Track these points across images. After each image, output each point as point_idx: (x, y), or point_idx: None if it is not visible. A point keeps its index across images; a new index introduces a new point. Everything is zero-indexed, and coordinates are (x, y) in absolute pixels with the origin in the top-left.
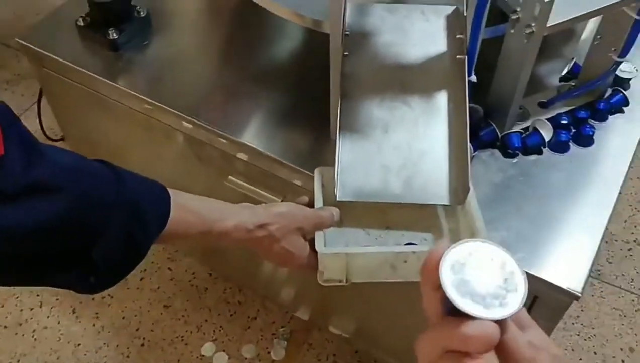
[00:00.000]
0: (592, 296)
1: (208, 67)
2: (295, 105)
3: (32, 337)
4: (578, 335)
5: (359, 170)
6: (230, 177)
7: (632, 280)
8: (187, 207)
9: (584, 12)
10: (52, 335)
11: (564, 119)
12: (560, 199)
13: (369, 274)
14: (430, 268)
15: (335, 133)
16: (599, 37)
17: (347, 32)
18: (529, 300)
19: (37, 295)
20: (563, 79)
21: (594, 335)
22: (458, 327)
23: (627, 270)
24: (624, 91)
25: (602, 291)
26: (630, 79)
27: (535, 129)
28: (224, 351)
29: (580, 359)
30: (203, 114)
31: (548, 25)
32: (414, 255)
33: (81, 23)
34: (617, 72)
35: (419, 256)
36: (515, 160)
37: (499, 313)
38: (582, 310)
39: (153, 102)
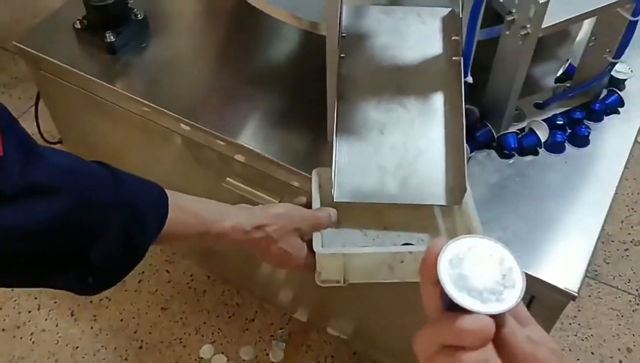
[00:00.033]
0: (589, 296)
1: (205, 70)
2: (292, 107)
3: (30, 339)
4: (575, 335)
5: (356, 171)
6: (228, 179)
7: (629, 280)
8: (185, 208)
9: (578, 13)
10: (50, 338)
11: (560, 120)
12: (557, 200)
13: (367, 274)
14: (429, 263)
15: (332, 135)
16: (593, 38)
17: (343, 34)
18: (526, 299)
19: (35, 298)
20: (558, 80)
21: (591, 335)
22: (454, 321)
23: (624, 270)
24: (619, 92)
25: (599, 292)
26: (625, 79)
27: (531, 130)
28: (222, 353)
29: (578, 359)
30: (200, 116)
31: (543, 26)
32: (411, 255)
33: (78, 26)
34: (612, 73)
35: (416, 256)
36: (511, 161)
37: (496, 308)
38: (579, 311)
39: (151, 104)
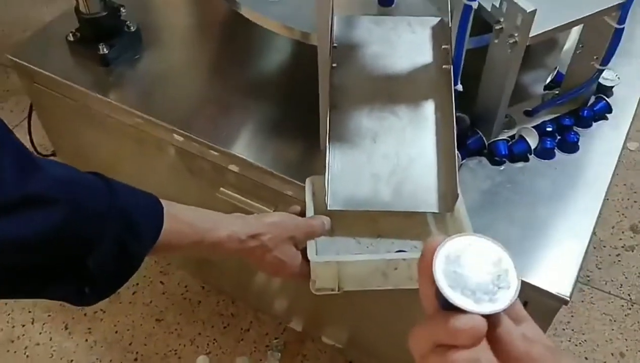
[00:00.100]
0: (582, 302)
1: (198, 81)
2: (285, 116)
3: (25, 353)
4: (569, 340)
5: (349, 179)
6: (221, 189)
7: (621, 285)
8: (180, 218)
9: (565, 22)
10: (44, 352)
11: (549, 127)
12: (547, 205)
13: (361, 282)
14: (426, 260)
15: (325, 143)
16: (581, 46)
17: (335, 45)
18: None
19: (29, 311)
20: (547, 87)
21: (585, 341)
22: (447, 320)
23: (616, 275)
24: (607, 99)
25: (591, 297)
26: (612, 86)
27: (521, 137)
28: None
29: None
30: (194, 126)
31: (530, 35)
32: (404, 262)
33: (71, 38)
34: (600, 80)
35: (410, 263)
36: (502, 167)
37: (488, 308)
38: (572, 316)
39: (144, 115)
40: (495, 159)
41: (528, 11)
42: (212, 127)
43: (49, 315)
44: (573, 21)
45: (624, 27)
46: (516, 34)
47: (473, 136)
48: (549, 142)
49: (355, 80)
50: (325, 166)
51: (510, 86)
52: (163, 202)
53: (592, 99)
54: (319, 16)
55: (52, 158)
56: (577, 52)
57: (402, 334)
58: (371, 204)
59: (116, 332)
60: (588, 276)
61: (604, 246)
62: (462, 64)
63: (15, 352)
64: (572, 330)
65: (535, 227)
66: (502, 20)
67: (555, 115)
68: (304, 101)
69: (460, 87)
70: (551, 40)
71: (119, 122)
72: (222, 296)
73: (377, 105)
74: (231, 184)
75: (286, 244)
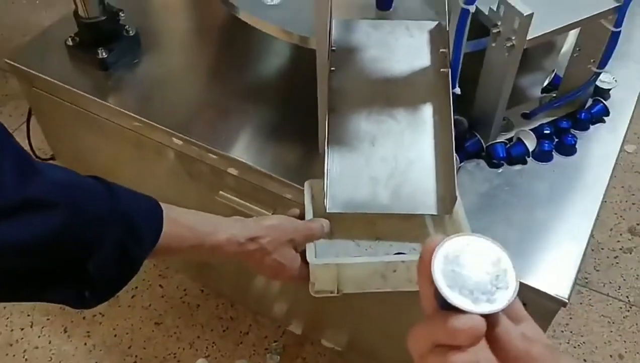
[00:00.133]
0: (581, 304)
1: (197, 85)
2: (283, 120)
3: (23, 357)
4: (568, 342)
5: (348, 182)
6: (221, 192)
7: (620, 287)
8: (180, 221)
9: (562, 25)
10: (43, 355)
11: (547, 129)
12: (545, 208)
13: (360, 284)
14: (426, 259)
15: (324, 147)
16: (578, 49)
17: (333, 48)
18: None
19: (28, 315)
20: (545, 90)
21: (584, 343)
22: (446, 320)
23: (614, 277)
24: (604, 101)
25: (590, 299)
26: (609, 89)
27: (519, 140)
28: None
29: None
30: (193, 130)
31: (528, 38)
32: (403, 264)
33: (70, 43)
34: (597, 83)
35: (408, 265)
36: (500, 170)
37: (487, 308)
38: (570, 318)
39: (143, 119)
40: (493, 162)
41: (525, 15)
42: (211, 131)
43: (48, 319)
44: (570, 24)
45: (620, 30)
46: (513, 38)
47: (471, 138)
48: (546, 145)
49: (354, 83)
50: (324, 169)
51: (508, 89)
52: (163, 206)
53: (590, 101)
54: (318, 20)
55: (51, 162)
56: (574, 55)
57: (401, 337)
58: (370, 207)
59: (115, 336)
60: (586, 279)
61: (602, 249)
62: (459, 67)
63: (14, 355)
64: (571, 332)
65: (533, 229)
66: (499, 23)
67: (553, 118)
68: (302, 105)
69: (458, 90)
70: (548, 44)
71: (118, 126)
72: (221, 299)
73: (375, 108)
74: (230, 187)
75: (285, 247)
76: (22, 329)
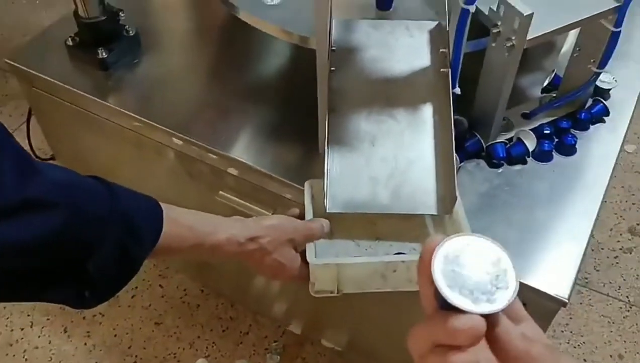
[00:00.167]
0: (581, 304)
1: (197, 85)
2: (283, 120)
3: (23, 357)
4: (568, 342)
5: (348, 182)
6: (221, 192)
7: (620, 287)
8: (180, 221)
9: (562, 25)
10: (43, 355)
11: (547, 129)
12: (545, 208)
13: (360, 284)
14: (426, 259)
15: (324, 146)
16: (578, 49)
17: (333, 48)
18: None
19: (28, 315)
20: (545, 90)
21: (584, 343)
22: (446, 320)
23: (614, 277)
24: (604, 101)
25: (590, 299)
26: (609, 89)
27: (519, 140)
28: None
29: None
30: (193, 130)
31: (528, 38)
32: (403, 264)
33: (70, 43)
34: (597, 83)
35: (409, 265)
36: (500, 170)
37: (487, 308)
38: (570, 318)
39: (143, 119)
40: (493, 162)
41: (525, 15)
42: (211, 131)
43: (48, 319)
44: (570, 24)
45: (620, 30)
46: (513, 38)
47: (471, 138)
48: (546, 144)
49: (354, 83)
50: (324, 169)
51: (508, 89)
52: (163, 205)
53: (590, 101)
54: (318, 20)
55: (51, 162)
56: (574, 55)
57: (401, 337)
58: (370, 207)
59: (115, 336)
60: (586, 279)
61: (602, 249)
62: (459, 67)
63: (14, 355)
64: (571, 332)
65: (534, 229)
66: (499, 23)
67: (553, 118)
68: (302, 105)
69: (458, 90)
70: (548, 44)
71: (118, 126)
72: (221, 299)
73: (375, 108)
74: (230, 187)
75: (285, 247)
76: (22, 329)
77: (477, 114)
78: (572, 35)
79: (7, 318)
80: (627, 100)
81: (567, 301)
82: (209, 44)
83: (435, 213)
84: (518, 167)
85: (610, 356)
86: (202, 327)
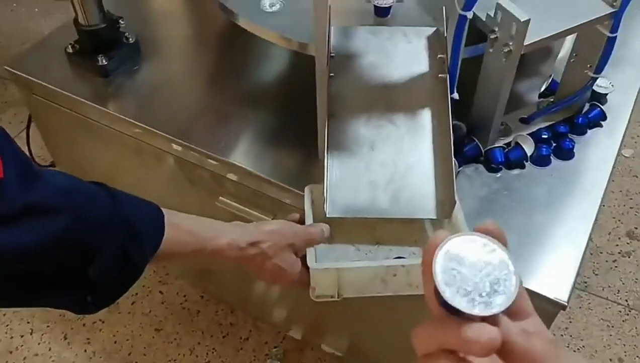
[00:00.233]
0: (580, 307)
1: (197, 91)
2: (283, 125)
3: None
4: (567, 346)
5: (348, 187)
6: (220, 198)
7: (618, 290)
8: (181, 226)
9: (559, 31)
10: (43, 362)
11: (545, 134)
12: (544, 212)
13: (360, 289)
14: (428, 257)
15: (324, 152)
16: (574, 55)
17: (332, 54)
18: None
19: (28, 322)
20: (542, 95)
21: (583, 347)
22: (459, 328)
23: (613, 281)
24: (601, 106)
25: (589, 303)
26: (606, 94)
27: (517, 144)
28: None
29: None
30: (193, 136)
31: (525, 43)
32: (403, 268)
33: (70, 50)
34: (594, 87)
35: (409, 269)
36: (498, 174)
37: (483, 311)
38: (570, 322)
39: (143, 125)
40: (492, 167)
41: (522, 20)
42: (210, 136)
43: (48, 326)
44: (566, 30)
45: (616, 36)
46: (511, 43)
47: (469, 143)
48: (544, 149)
49: (353, 89)
50: (323, 174)
51: (506, 94)
52: (164, 211)
53: (587, 106)
54: (317, 27)
55: (51, 168)
56: (571, 60)
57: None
58: (369, 211)
59: (115, 342)
60: (585, 282)
61: (601, 253)
62: (457, 73)
63: (14, 362)
64: (571, 335)
65: (532, 234)
66: (496, 29)
67: (551, 122)
68: (302, 110)
69: (456, 95)
70: (545, 49)
71: (118, 132)
72: (221, 305)
73: (374, 114)
74: (230, 193)
75: (286, 251)
76: (22, 336)
77: (476, 119)
78: (569, 40)
79: (7, 325)
80: (624, 104)
81: (566, 304)
82: (208, 50)
83: (434, 218)
84: (516, 171)
85: (610, 360)
86: (202, 333)
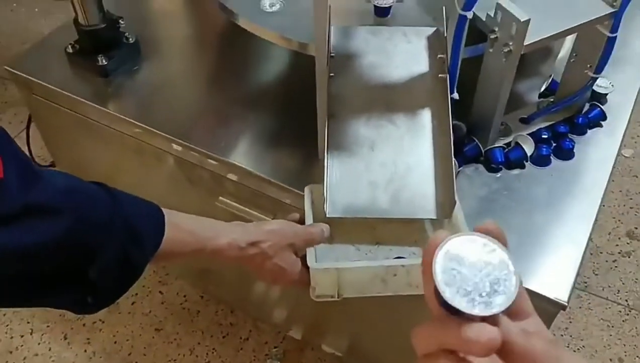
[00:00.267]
0: (580, 308)
1: (197, 91)
2: (283, 125)
3: None
4: (567, 346)
5: (348, 187)
6: (220, 198)
7: (618, 290)
8: (181, 226)
9: (559, 30)
10: (43, 362)
11: (545, 134)
12: (544, 212)
13: (360, 289)
14: (429, 257)
15: (324, 152)
16: (574, 55)
17: (332, 54)
18: None
19: (28, 322)
20: (542, 95)
21: (583, 347)
22: (459, 328)
23: (613, 281)
24: (601, 106)
25: (589, 303)
26: (606, 94)
27: (517, 144)
28: None
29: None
30: (193, 136)
31: (525, 43)
32: (403, 268)
33: (70, 50)
34: (594, 87)
35: (409, 269)
36: (498, 174)
37: (483, 311)
38: (570, 322)
39: (143, 125)
40: (492, 167)
41: (522, 20)
42: (210, 136)
43: (48, 326)
44: (566, 30)
45: (616, 36)
46: (511, 43)
47: (469, 143)
48: (544, 149)
49: (353, 89)
50: (323, 175)
51: (506, 94)
52: (164, 211)
53: (587, 106)
54: (317, 27)
55: (51, 168)
56: (571, 60)
57: (402, 342)
58: (369, 211)
59: (115, 342)
60: (585, 282)
61: (601, 253)
62: (457, 73)
63: (14, 362)
64: (571, 336)
65: (532, 233)
66: (496, 29)
67: (551, 122)
68: (302, 110)
69: (456, 95)
70: (545, 49)
71: (118, 132)
72: (221, 305)
73: (374, 114)
74: (230, 193)
75: (286, 251)
76: (22, 336)
77: (476, 119)
78: (569, 40)
79: (7, 326)
80: (624, 104)
81: (566, 304)
82: (208, 50)
83: (434, 218)
84: (516, 171)
85: (610, 360)
86: (202, 333)
